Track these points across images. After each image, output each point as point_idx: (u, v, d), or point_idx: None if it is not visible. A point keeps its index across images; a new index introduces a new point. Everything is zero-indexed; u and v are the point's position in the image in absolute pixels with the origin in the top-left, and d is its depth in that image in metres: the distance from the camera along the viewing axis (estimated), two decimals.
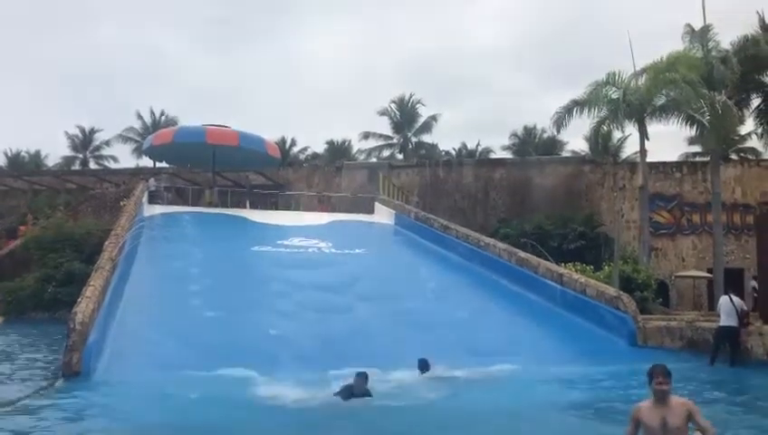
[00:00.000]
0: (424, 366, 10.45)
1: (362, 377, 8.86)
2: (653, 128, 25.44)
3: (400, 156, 45.90)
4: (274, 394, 9.17)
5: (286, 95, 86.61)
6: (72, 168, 48.24)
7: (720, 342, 12.72)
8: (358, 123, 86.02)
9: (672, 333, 13.82)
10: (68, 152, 51.44)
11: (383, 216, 25.11)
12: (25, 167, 48.55)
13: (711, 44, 23.78)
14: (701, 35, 23.88)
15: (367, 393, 8.86)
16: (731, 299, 12.92)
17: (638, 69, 23.83)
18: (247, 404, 8.89)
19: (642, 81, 23.61)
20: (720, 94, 22.36)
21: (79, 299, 11.53)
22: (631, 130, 25.50)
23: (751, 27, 24.18)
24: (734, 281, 20.92)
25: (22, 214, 29.88)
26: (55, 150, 70.67)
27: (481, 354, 11.93)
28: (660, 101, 23.53)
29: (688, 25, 24.47)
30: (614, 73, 23.71)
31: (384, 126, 47.53)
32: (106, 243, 15.96)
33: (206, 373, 10.36)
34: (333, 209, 28.16)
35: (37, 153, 52.66)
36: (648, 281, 18.61)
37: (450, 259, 19.65)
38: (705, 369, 12.20)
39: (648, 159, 25.21)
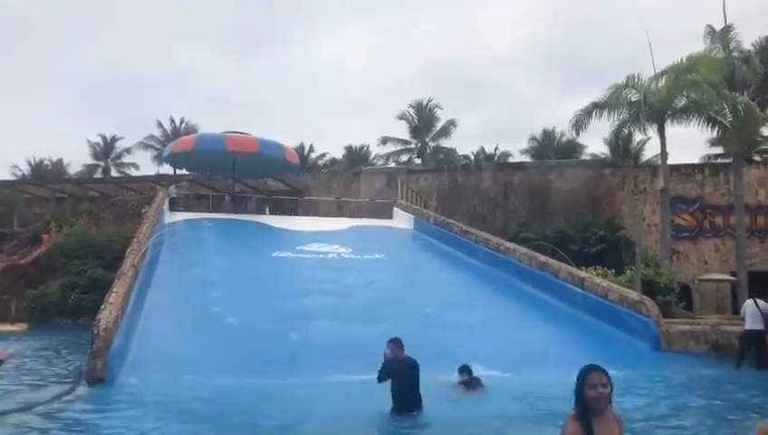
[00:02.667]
0: (467, 373, 10.07)
1: (396, 343, 8.16)
2: (674, 130, 25.31)
3: (418, 161, 45.89)
4: (294, 399, 9.19)
5: (305, 101, 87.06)
6: (94, 175, 48.82)
7: (746, 346, 12.56)
8: (376, 128, 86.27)
9: (696, 337, 13.67)
10: (90, 160, 52.18)
11: (402, 221, 25.10)
12: (48, 175, 49.24)
13: (732, 45, 23.58)
14: (722, 36, 23.68)
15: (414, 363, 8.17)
16: (755, 302, 12.75)
17: (658, 71, 23.69)
18: (268, 411, 8.90)
19: (662, 83, 23.42)
20: (742, 95, 22.10)
21: (102, 306, 11.63)
22: (652, 133, 25.36)
23: None
24: (758, 284, 20.60)
25: (45, 221, 30.27)
26: (77, 159, 71.62)
27: (500, 360, 11.83)
28: (681, 102, 23.32)
29: (709, 26, 24.29)
30: (634, 76, 23.55)
31: (402, 131, 47.64)
32: (128, 250, 16.11)
33: (227, 380, 10.41)
34: (352, 215, 28.20)
35: (59, 161, 53.46)
36: (670, 284, 18.43)
37: (470, 264, 19.58)
38: (731, 373, 12.05)
39: (669, 162, 24.98)
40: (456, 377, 10.15)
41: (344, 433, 7.86)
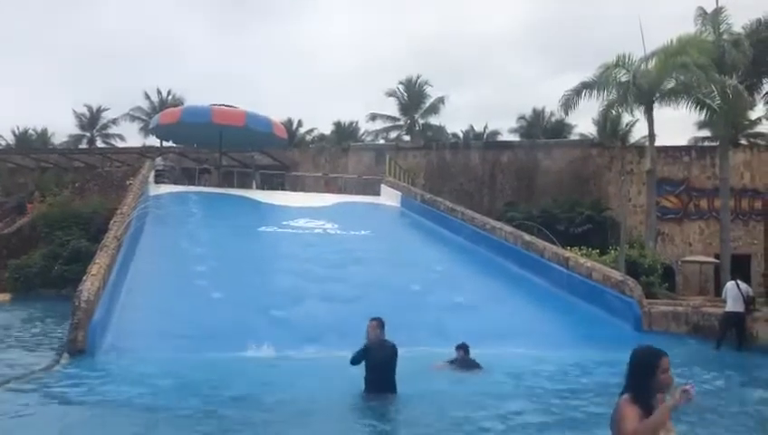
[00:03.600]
0: (464, 351, 10.00)
1: (378, 323, 7.82)
2: (662, 112, 25.36)
3: (407, 138, 45.72)
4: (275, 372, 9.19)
5: (294, 76, 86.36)
6: (79, 146, 48.30)
7: (726, 327, 12.69)
8: (365, 105, 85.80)
9: (678, 318, 13.78)
10: (75, 131, 51.59)
11: (389, 198, 25.04)
12: (32, 145, 48.69)
13: (723, 27, 23.49)
14: (713, 18, 23.58)
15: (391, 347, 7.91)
16: (737, 285, 12.85)
17: (648, 52, 23.63)
18: (250, 384, 8.90)
19: (652, 64, 23.37)
20: (731, 78, 22.09)
21: (84, 277, 11.54)
22: (640, 114, 25.37)
23: (763, 10, 23.87)
24: (741, 267, 20.82)
25: (29, 191, 29.93)
26: (62, 129, 70.69)
27: (484, 337, 11.86)
28: (670, 84, 23.31)
29: (700, 8, 24.16)
30: (624, 56, 23.52)
31: (391, 107, 47.37)
32: (112, 221, 15.97)
33: (209, 354, 10.42)
34: (340, 191, 28.10)
35: (44, 131, 52.80)
36: (654, 266, 18.56)
37: (456, 242, 19.61)
38: (710, 353, 12.19)
39: (657, 144, 25.02)
40: (452, 355, 10.14)
41: (314, 409, 7.81)
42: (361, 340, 7.87)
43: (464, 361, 9.96)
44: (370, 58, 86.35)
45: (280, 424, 7.21)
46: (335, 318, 12.33)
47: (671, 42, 22.76)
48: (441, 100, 46.40)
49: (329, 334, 11.46)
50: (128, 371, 9.40)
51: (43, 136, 52.48)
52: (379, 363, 7.64)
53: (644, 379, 3.77)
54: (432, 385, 8.96)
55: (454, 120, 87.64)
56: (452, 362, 10.00)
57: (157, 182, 23.87)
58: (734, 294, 12.75)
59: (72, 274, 19.37)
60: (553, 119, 45.46)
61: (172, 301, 12.81)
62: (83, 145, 49.24)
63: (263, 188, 26.89)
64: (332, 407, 7.89)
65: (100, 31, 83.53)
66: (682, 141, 35.78)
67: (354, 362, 7.68)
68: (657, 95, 23.36)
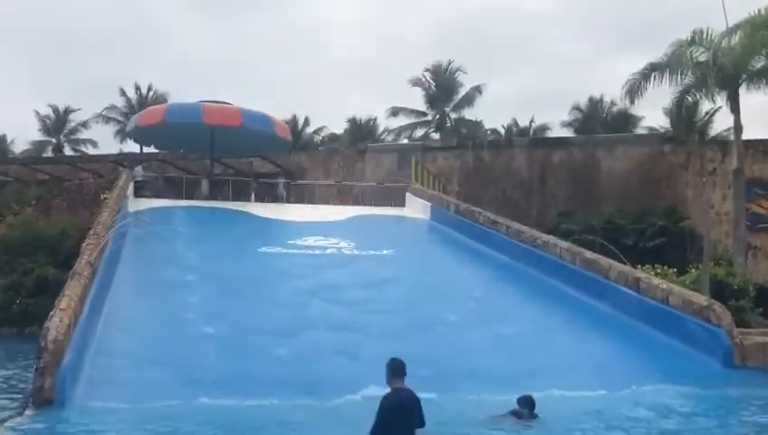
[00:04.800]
0: (529, 405, 9.73)
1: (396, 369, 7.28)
2: (750, 97, 25.06)
3: (436, 136, 45.76)
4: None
5: (298, 66, 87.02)
6: (44, 154, 48.96)
7: None
8: (385, 97, 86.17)
9: None
10: (39, 136, 52.34)
11: (416, 209, 25.03)
12: None
13: None
14: None
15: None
16: None
17: (730, 25, 23.46)
18: None
19: (736, 39, 23.20)
20: None
21: (51, 312, 11.62)
22: (722, 101, 25.13)
23: None
24: None
25: None
26: (23, 134, 71.81)
27: (537, 378, 11.80)
28: (760, 63, 23.10)
29: None
30: (701, 31, 23.35)
31: (417, 100, 47.51)
32: (84, 244, 16.09)
33: (201, 402, 10.43)
34: (356, 202, 28.19)
35: (2, 138, 53.57)
36: (745, 287, 18.37)
37: (499, 261, 19.52)
38: None
39: (744, 137, 24.77)
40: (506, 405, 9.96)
41: None
42: (379, 385, 7.64)
43: (526, 417, 9.68)
44: (391, 41, 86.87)
45: None
46: (350, 358, 12.30)
47: (759, 12, 22.59)
48: (477, 89, 46.44)
49: (344, 376, 11.42)
50: (103, 425, 9.41)
51: (1, 144, 53.31)
52: (395, 426, 6.92)
53: None
54: None
55: (493, 114, 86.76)
56: (513, 413, 9.81)
57: (136, 196, 24.10)
58: None
59: (37, 308, 19.56)
60: (615, 109, 45.19)
61: (157, 339, 12.87)
62: (49, 153, 49.91)
63: (263, 201, 27.07)
64: None
65: (66, 16, 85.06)
66: None
67: None
68: (744, 77, 23.16)
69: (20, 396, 11.51)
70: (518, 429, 9.39)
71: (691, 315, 14.27)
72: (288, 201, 27.50)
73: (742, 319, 16.18)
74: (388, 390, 7.25)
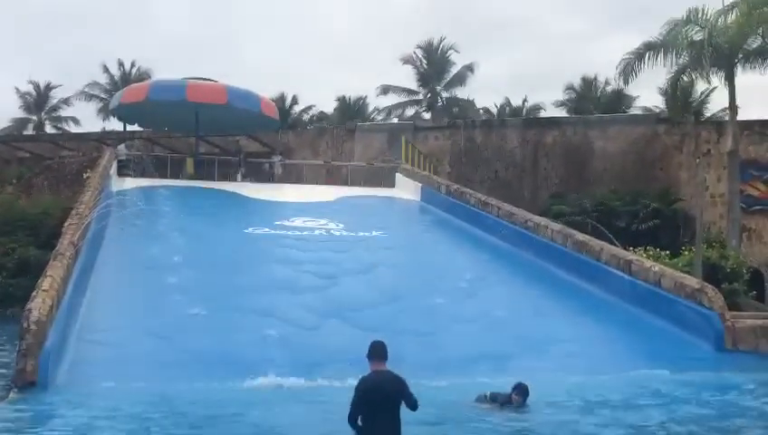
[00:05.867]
0: (524, 394, 9.74)
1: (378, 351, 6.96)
2: (746, 78, 25.12)
3: (428, 115, 45.70)
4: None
5: (286, 42, 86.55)
6: (25, 132, 48.68)
7: None
8: (375, 75, 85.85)
9: None
10: (19, 113, 51.92)
11: (406, 190, 25.07)
12: None
13: None
14: None
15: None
16: None
17: (727, 3, 23.46)
18: (233, 421, 8.96)
19: (732, 18, 23.22)
20: None
21: (34, 293, 11.63)
22: (718, 81, 25.20)
23: None
24: None
25: None
26: (3, 112, 71.38)
27: (527, 361, 11.91)
28: (756, 43, 23.14)
29: None
30: (697, 9, 23.36)
31: (408, 78, 47.34)
32: (66, 224, 16.08)
33: (186, 384, 10.48)
34: (345, 182, 28.19)
35: None
36: (738, 270, 18.50)
37: (490, 243, 19.60)
38: None
39: (740, 117, 24.87)
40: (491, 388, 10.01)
41: None
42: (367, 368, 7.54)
43: (518, 404, 9.70)
44: (381, 16, 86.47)
45: None
46: (338, 339, 12.37)
47: None
48: (469, 68, 46.34)
49: (332, 358, 11.49)
50: (87, 407, 9.45)
51: None
52: (376, 407, 6.60)
53: None
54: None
55: (485, 93, 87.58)
56: (495, 398, 9.88)
57: (120, 175, 24.03)
58: None
59: (18, 289, 19.52)
60: (609, 89, 45.10)
61: (141, 320, 12.90)
62: (29, 131, 49.62)
63: (250, 181, 27.04)
64: None
65: None
66: None
67: (352, 419, 6.64)
68: (740, 57, 23.20)
69: (3, 379, 11.52)
70: (506, 414, 9.47)
71: (683, 298, 14.40)
72: (248, 180, 27.22)
73: (734, 302, 16.31)
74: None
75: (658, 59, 24.22)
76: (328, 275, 15.93)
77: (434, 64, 46.66)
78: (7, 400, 9.98)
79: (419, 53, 46.92)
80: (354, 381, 6.69)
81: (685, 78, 24.60)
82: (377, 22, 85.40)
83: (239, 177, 27.65)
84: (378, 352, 6.88)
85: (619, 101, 44.49)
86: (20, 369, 10.47)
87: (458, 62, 46.67)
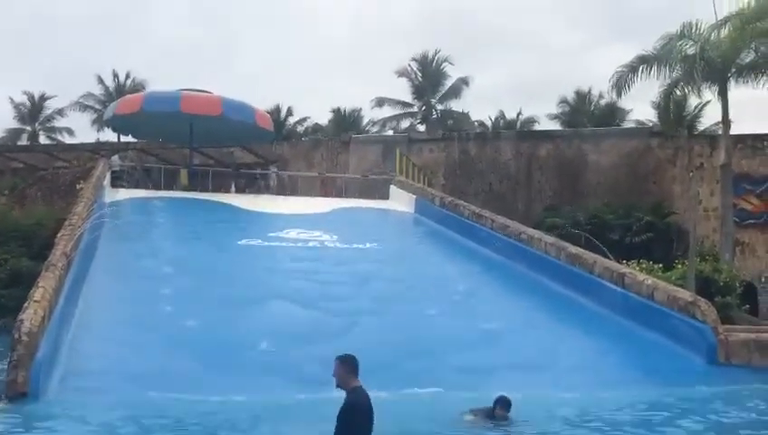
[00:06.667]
0: (506, 407, 9.71)
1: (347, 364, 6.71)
2: (739, 92, 25.26)
3: (422, 127, 45.83)
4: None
5: (281, 53, 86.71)
6: (19, 143, 48.67)
7: None
8: (370, 87, 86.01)
9: (763, 348, 13.68)
10: (13, 124, 51.95)
11: (400, 202, 25.07)
12: None
13: None
14: None
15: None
16: None
17: (720, 18, 23.62)
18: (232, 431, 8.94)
19: (725, 32, 23.36)
20: None
21: (26, 304, 11.60)
22: (711, 95, 25.33)
23: None
24: None
25: None
26: None
27: (518, 375, 11.90)
28: (749, 57, 23.28)
29: None
30: (690, 24, 23.51)
31: (403, 90, 47.61)
32: (59, 235, 16.04)
33: (178, 396, 10.46)
34: (339, 194, 28.20)
35: None
36: (731, 283, 18.53)
37: (483, 255, 19.60)
38: None
39: (733, 131, 24.98)
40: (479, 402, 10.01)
41: None
42: (364, 380, 7.45)
43: (502, 418, 9.71)
44: (376, 29, 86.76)
45: None
46: (332, 352, 12.32)
47: (748, 4, 22.74)
48: (464, 80, 46.61)
49: (326, 372, 11.44)
50: (79, 419, 9.43)
51: None
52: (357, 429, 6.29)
53: None
54: None
55: (480, 106, 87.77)
56: (483, 412, 9.87)
57: (114, 186, 23.99)
58: None
59: (10, 300, 19.47)
60: (603, 102, 45.43)
61: (133, 331, 12.85)
62: (23, 141, 49.59)
63: (244, 192, 27.02)
64: None
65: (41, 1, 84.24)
66: (765, 129, 35.61)
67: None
68: (733, 71, 23.33)
69: None
70: (491, 429, 9.47)
71: (676, 311, 14.37)
72: (242, 192, 27.24)
73: (727, 315, 16.31)
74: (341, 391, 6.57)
75: (652, 72, 24.39)
76: (321, 286, 15.90)
77: (429, 77, 46.89)
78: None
79: (414, 65, 47.27)
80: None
81: (678, 92, 24.75)
82: (372, 34, 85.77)
83: (233, 188, 27.66)
84: (354, 367, 6.46)
85: (612, 114, 44.75)
86: (11, 380, 10.41)
87: (453, 74, 47.03)
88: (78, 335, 12.42)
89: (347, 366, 6.41)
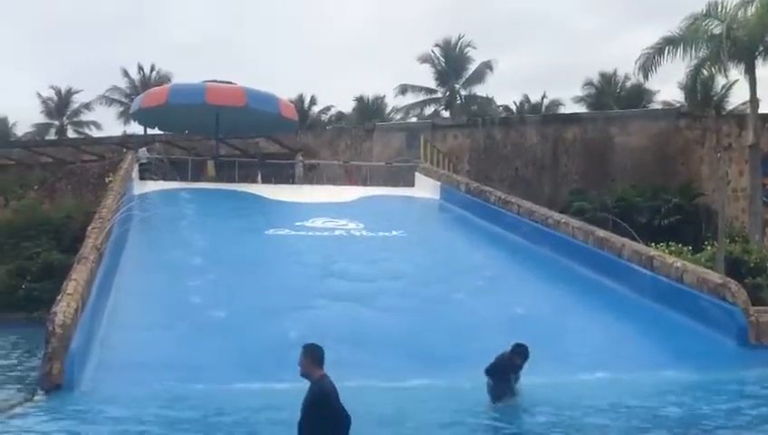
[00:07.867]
0: (524, 357, 9.85)
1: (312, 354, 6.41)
2: (766, 71, 24.99)
3: (446, 113, 45.65)
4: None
5: (304, 43, 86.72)
6: (47, 137, 49.12)
7: None
8: (393, 74, 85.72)
9: None
10: (41, 119, 52.44)
11: (426, 189, 25.06)
12: None
13: None
14: None
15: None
16: None
17: None
18: (259, 425, 9.03)
19: (752, 10, 23.04)
20: None
21: (59, 297, 11.77)
22: (738, 74, 25.03)
23: None
24: None
25: None
26: (26, 117, 71.95)
27: (550, 360, 11.87)
28: None
29: None
30: (716, 3, 23.20)
31: (426, 77, 47.31)
32: (89, 228, 16.24)
33: (209, 386, 10.59)
34: (364, 182, 28.24)
35: (4, 121, 53.68)
36: (761, 264, 18.35)
37: (510, 241, 19.57)
38: None
39: (762, 111, 24.65)
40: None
41: None
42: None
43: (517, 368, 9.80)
44: (398, 15, 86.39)
45: None
46: (361, 339, 12.43)
47: None
48: (488, 65, 46.22)
49: (356, 357, 11.51)
50: (114, 409, 9.56)
51: (2, 126, 53.41)
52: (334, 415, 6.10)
53: None
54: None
55: (504, 90, 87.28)
56: (493, 368, 9.89)
57: (141, 178, 24.19)
58: None
59: (43, 293, 19.71)
60: (629, 84, 44.92)
61: (164, 323, 13.01)
62: (51, 136, 50.05)
63: (270, 182, 27.15)
64: None
65: None
66: None
67: None
68: (761, 49, 23.00)
69: (29, 381, 11.67)
70: (517, 412, 9.50)
71: (706, 294, 14.30)
72: (268, 182, 27.29)
73: (758, 297, 16.15)
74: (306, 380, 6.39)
75: (678, 53, 24.09)
76: (349, 275, 15.98)
77: (452, 62, 46.59)
78: (33, 402, 10.11)
79: (437, 51, 46.93)
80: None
81: (704, 72, 24.46)
82: (394, 21, 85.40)
83: (259, 178, 27.78)
84: (320, 356, 6.27)
85: (639, 96, 44.26)
86: (46, 372, 10.61)
87: (477, 59, 46.63)
88: (110, 327, 12.60)
89: (313, 356, 6.24)
